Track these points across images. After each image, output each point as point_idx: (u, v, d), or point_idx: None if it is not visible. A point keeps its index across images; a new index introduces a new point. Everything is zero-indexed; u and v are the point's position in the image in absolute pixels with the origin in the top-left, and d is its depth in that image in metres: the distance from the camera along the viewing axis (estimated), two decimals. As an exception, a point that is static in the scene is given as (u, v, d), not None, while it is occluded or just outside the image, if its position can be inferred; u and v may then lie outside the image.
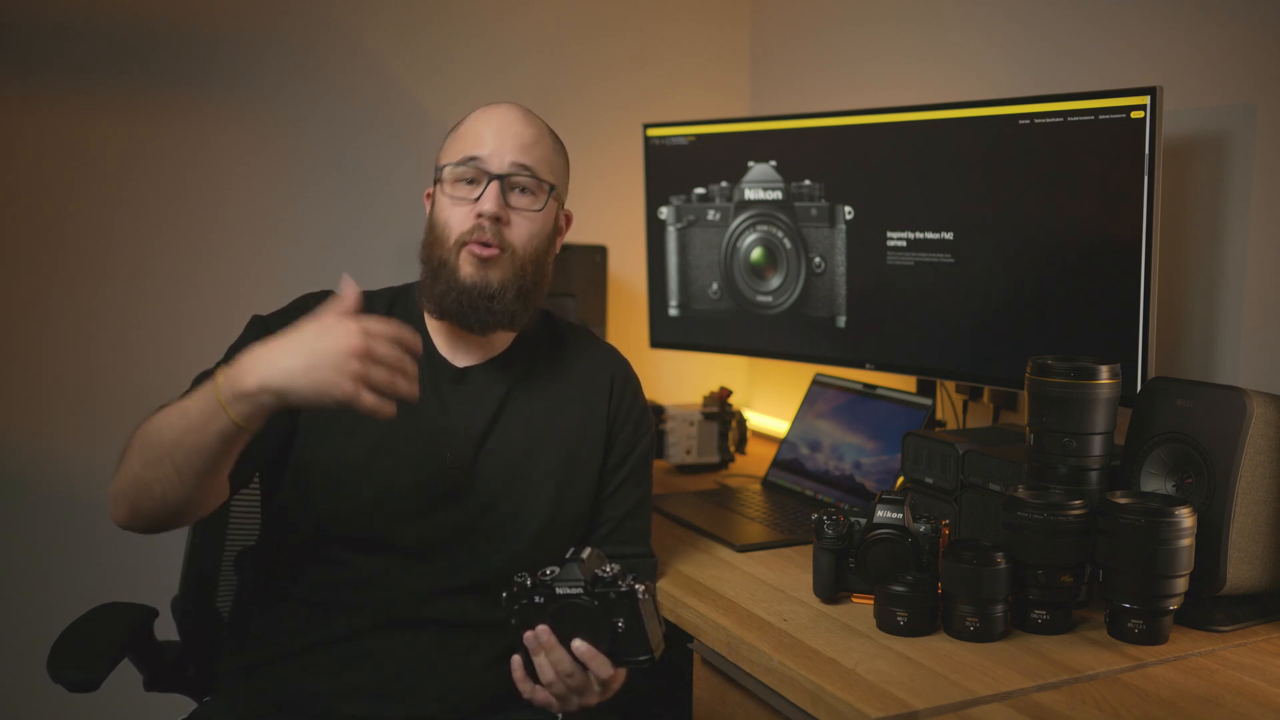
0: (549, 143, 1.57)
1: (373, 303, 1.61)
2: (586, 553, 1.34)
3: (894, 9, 2.35)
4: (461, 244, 1.50)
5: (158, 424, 1.30)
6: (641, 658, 1.32)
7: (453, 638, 1.49)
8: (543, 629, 1.31)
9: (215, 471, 1.31)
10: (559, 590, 1.31)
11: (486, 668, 1.50)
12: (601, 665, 1.31)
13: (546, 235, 1.55)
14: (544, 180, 1.53)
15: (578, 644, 1.31)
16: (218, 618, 1.74)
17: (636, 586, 1.30)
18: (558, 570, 1.33)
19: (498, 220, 1.49)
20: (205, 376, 1.49)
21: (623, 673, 1.37)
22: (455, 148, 1.54)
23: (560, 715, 1.39)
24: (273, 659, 1.49)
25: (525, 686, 1.34)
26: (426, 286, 1.54)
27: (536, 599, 1.32)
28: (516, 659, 1.34)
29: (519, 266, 1.51)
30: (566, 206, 1.62)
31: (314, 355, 1.23)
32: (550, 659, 1.31)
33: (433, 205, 1.56)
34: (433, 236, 1.54)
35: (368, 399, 1.22)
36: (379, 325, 1.25)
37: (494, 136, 1.51)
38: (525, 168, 1.51)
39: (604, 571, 1.32)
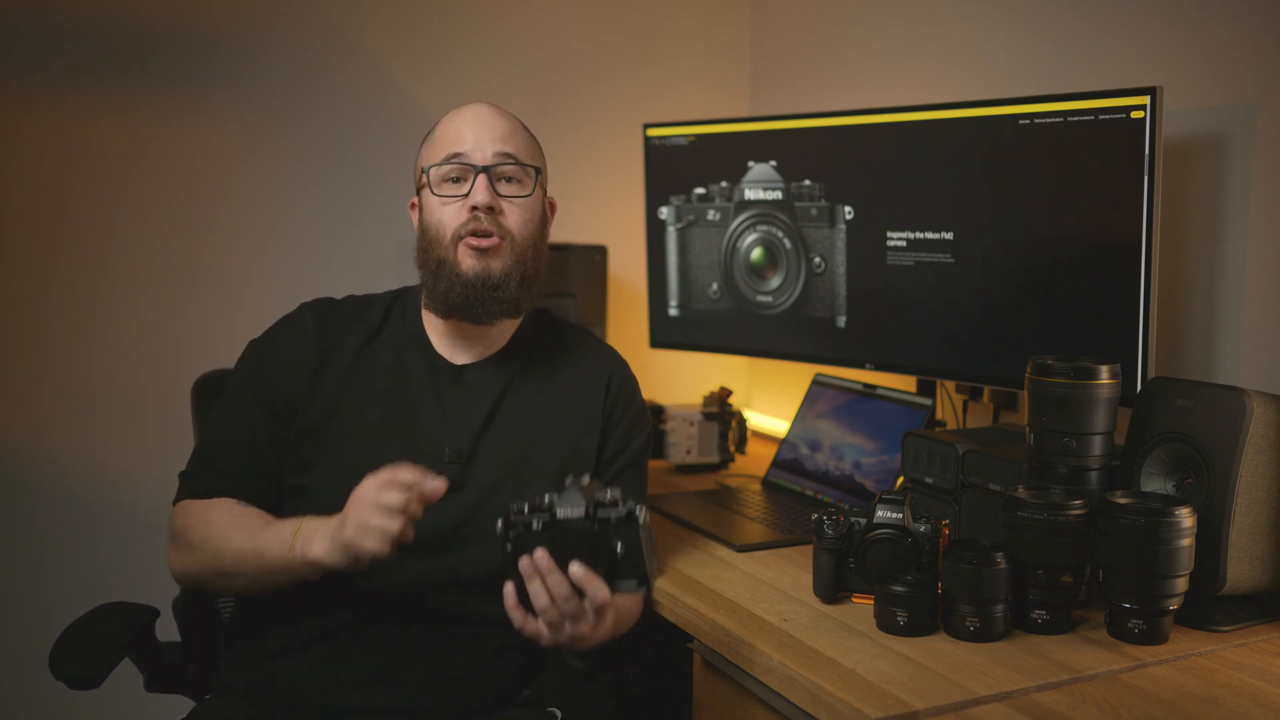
0: (525, 132, 1.60)
1: (371, 305, 1.62)
2: (585, 479, 1.34)
3: (894, 9, 2.35)
4: (458, 238, 1.51)
5: (233, 552, 1.44)
6: (636, 581, 1.32)
7: (452, 631, 1.50)
8: (540, 553, 1.30)
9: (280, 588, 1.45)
10: (560, 513, 1.31)
11: (485, 661, 1.51)
12: (599, 589, 1.31)
13: (539, 220, 1.59)
14: (528, 165, 1.56)
15: (575, 568, 1.30)
16: (218, 618, 1.74)
17: (636, 509, 1.31)
18: (556, 496, 1.33)
19: (491, 210, 1.51)
20: (212, 448, 1.56)
21: (613, 605, 1.36)
22: (434, 150, 1.56)
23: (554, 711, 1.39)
24: (272, 653, 1.50)
25: (517, 615, 1.33)
26: (429, 288, 1.55)
27: (534, 524, 1.32)
28: (509, 586, 1.33)
29: (519, 253, 1.53)
30: (550, 195, 1.65)
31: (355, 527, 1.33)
32: (549, 583, 1.31)
33: (421, 210, 1.58)
34: (427, 239, 1.55)
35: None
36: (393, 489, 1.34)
37: (472, 132, 1.54)
38: (509, 156, 1.54)
39: (603, 497, 1.33)
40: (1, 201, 2.12)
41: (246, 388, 1.56)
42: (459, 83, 2.44)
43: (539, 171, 1.58)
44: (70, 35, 2.12)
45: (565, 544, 1.31)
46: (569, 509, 1.31)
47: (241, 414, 1.55)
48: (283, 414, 1.54)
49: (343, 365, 1.56)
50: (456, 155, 1.53)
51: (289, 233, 2.34)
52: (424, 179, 1.56)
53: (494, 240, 1.51)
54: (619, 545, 1.31)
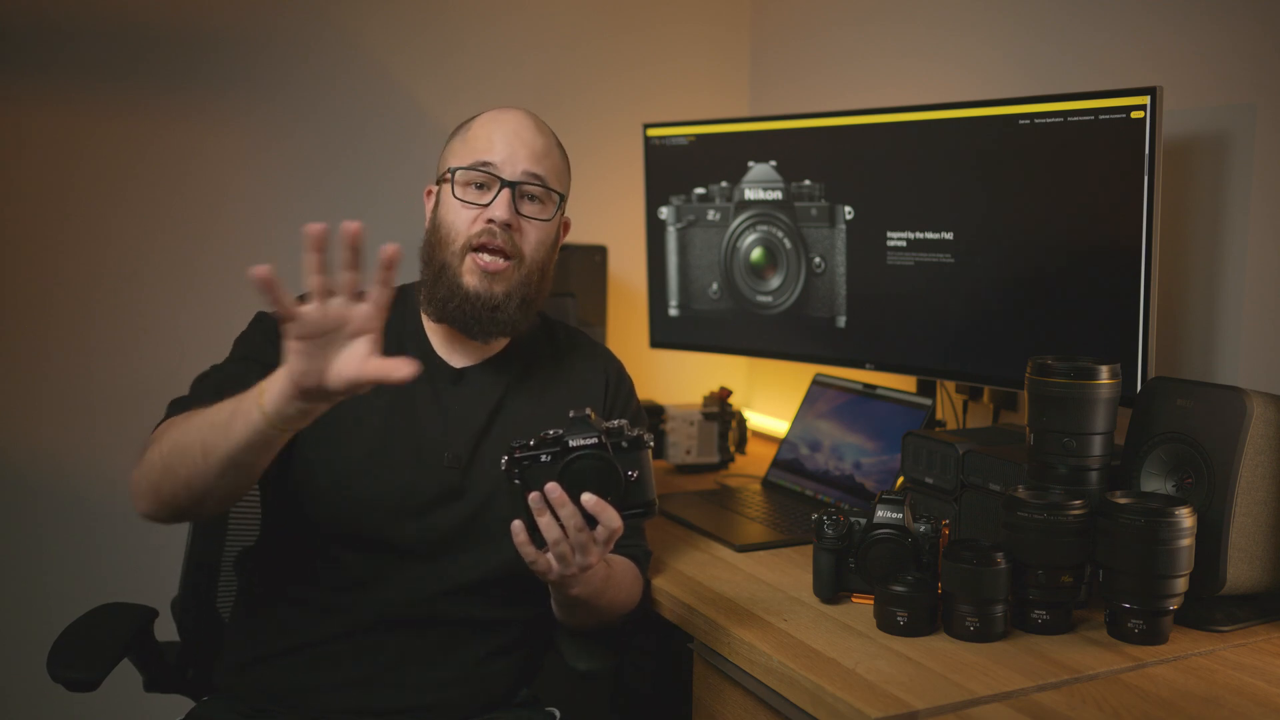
0: (558, 153, 1.58)
1: None
2: (587, 410, 1.34)
3: (894, 9, 2.35)
4: (468, 248, 1.50)
5: (196, 419, 1.28)
6: (641, 506, 1.32)
7: (450, 634, 1.50)
8: (552, 486, 1.30)
9: (241, 465, 1.26)
10: (573, 443, 1.31)
11: (483, 663, 1.51)
12: (612, 517, 1.31)
13: (552, 243, 1.58)
14: (554, 190, 1.54)
15: (587, 497, 1.30)
16: (218, 619, 1.74)
17: (645, 435, 1.32)
18: (561, 431, 1.32)
19: (508, 227, 1.50)
20: (204, 379, 1.50)
21: (620, 528, 1.35)
22: (465, 150, 1.54)
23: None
24: (271, 655, 1.49)
25: (528, 551, 1.33)
26: (428, 288, 1.54)
27: (543, 457, 1.31)
28: (518, 524, 1.33)
29: (525, 275, 1.52)
30: (566, 216, 1.64)
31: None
32: (561, 515, 1.30)
33: (436, 205, 1.56)
34: (437, 237, 1.53)
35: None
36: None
37: (506, 143, 1.52)
38: (537, 177, 1.52)
39: (612, 425, 1.33)
40: (1, 201, 2.12)
41: (256, 353, 1.48)
42: (459, 83, 2.44)
43: (563, 198, 1.57)
44: (70, 35, 2.12)
45: (579, 475, 1.30)
46: (582, 438, 1.31)
47: (246, 368, 1.45)
48: None
49: None
50: (486, 164, 1.51)
51: (289, 233, 2.33)
52: (448, 176, 1.53)
53: (502, 265, 1.50)
54: (632, 473, 1.31)
